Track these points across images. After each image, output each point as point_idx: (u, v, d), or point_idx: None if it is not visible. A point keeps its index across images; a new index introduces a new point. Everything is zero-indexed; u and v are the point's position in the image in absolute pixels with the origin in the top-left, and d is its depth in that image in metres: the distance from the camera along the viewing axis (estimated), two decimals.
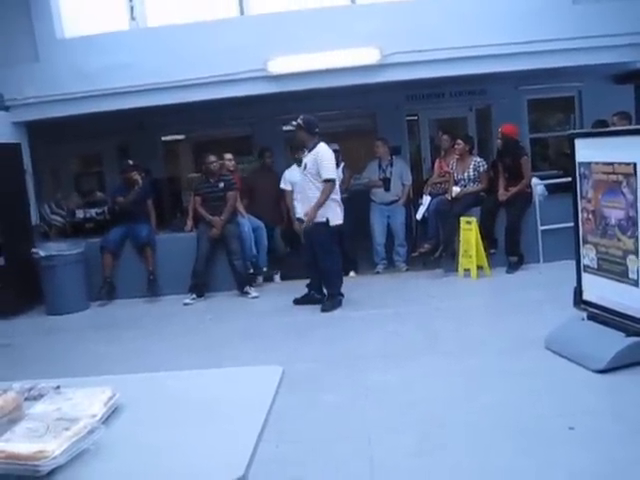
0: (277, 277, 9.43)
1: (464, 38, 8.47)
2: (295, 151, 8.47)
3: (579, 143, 5.40)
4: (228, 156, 9.13)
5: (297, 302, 7.54)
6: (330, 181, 7.08)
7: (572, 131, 7.07)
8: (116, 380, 2.00)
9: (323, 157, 7.07)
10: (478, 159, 8.74)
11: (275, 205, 9.48)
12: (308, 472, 3.60)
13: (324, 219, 7.07)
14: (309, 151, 7.19)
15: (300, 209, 7.43)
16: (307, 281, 7.63)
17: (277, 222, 9.55)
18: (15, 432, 1.58)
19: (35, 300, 8.56)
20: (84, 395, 1.82)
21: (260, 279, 9.07)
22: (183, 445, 1.63)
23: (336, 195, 7.22)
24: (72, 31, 9.25)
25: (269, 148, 10.03)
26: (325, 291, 7.40)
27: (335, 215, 7.18)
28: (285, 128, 10.04)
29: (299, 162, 7.78)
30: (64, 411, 1.71)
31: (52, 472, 1.47)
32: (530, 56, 8.59)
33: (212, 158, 8.62)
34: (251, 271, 8.69)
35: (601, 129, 7.20)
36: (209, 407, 1.86)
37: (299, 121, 7.19)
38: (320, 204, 7.03)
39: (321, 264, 7.26)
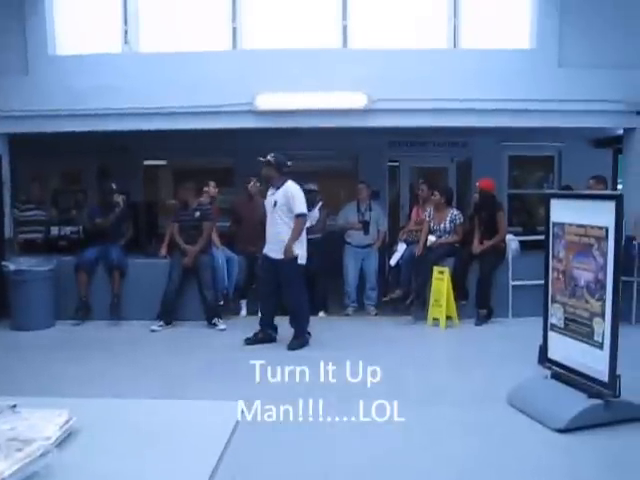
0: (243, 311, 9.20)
1: (450, 91, 8.64)
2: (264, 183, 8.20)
3: (555, 203, 5.51)
4: (212, 184, 9.15)
5: (249, 342, 7.33)
6: (302, 216, 7.12)
7: (550, 191, 7.20)
8: (74, 403, 1.98)
9: (294, 193, 7.12)
10: (455, 212, 8.83)
11: (260, 233, 9.13)
12: None
13: (294, 254, 7.09)
14: (277, 189, 7.21)
15: (267, 246, 7.33)
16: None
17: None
18: None
19: (1, 314, 8.43)
20: (40, 417, 1.79)
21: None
22: (134, 475, 1.61)
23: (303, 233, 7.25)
24: (64, 48, 9.24)
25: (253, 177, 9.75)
26: (292, 328, 7.33)
27: (302, 253, 7.19)
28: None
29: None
30: (19, 431, 1.69)
31: None
32: (512, 114, 8.78)
33: (190, 185, 8.68)
34: (221, 303, 8.62)
35: (575, 192, 7.34)
36: (165, 438, 1.85)
37: (269, 158, 7.18)
38: (295, 239, 7.03)
39: (288, 299, 7.25)
